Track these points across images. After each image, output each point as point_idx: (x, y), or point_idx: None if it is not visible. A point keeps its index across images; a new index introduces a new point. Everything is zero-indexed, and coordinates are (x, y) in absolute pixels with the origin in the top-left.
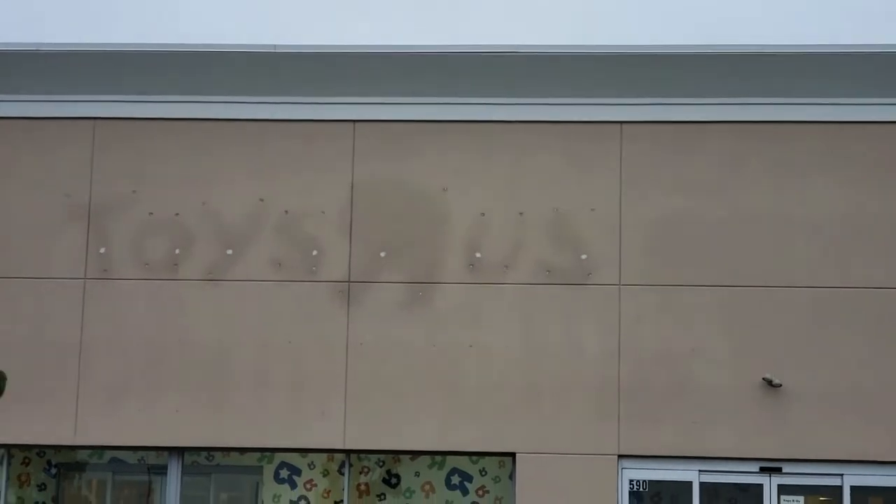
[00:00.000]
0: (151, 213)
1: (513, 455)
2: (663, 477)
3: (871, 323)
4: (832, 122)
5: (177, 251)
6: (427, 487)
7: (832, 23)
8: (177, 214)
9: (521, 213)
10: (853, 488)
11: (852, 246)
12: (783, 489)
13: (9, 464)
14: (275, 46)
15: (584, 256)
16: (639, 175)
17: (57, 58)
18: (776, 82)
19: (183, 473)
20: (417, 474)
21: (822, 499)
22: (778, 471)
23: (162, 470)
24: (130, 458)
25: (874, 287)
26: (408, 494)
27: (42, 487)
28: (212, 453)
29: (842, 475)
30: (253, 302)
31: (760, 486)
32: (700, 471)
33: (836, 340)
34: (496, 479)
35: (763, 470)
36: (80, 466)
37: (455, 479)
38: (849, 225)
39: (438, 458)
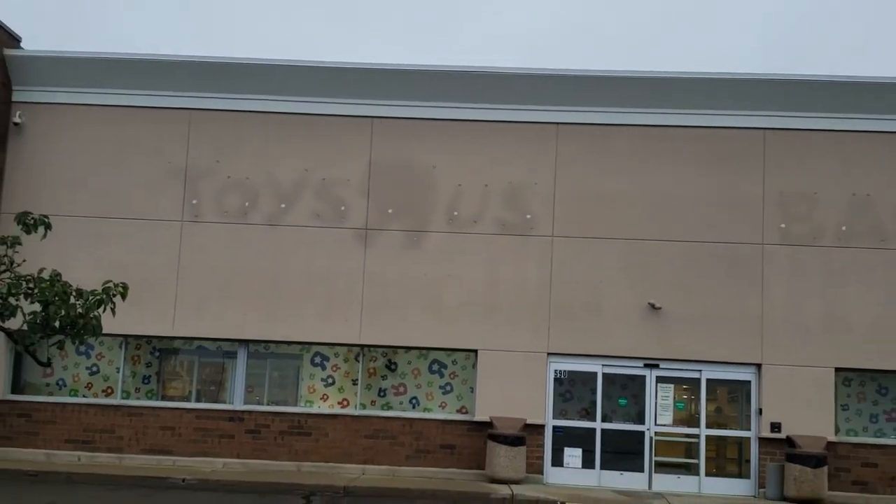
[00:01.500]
0: (229, 177)
1: (475, 351)
2: (577, 368)
3: (723, 267)
4: (696, 127)
5: (246, 204)
6: (415, 371)
7: (715, 54)
8: (247, 178)
9: (486, 185)
10: (708, 380)
11: (711, 213)
12: (660, 379)
13: (126, 348)
14: (322, 62)
15: (528, 216)
16: (568, 161)
17: (174, 65)
18: (665, 98)
19: (248, 357)
20: (409, 362)
21: (685, 387)
22: (656, 366)
23: (233, 355)
24: (211, 346)
25: (725, 242)
26: (402, 376)
27: (149, 364)
28: (267, 344)
29: (700, 371)
30: (298, 241)
31: (644, 376)
32: (602, 365)
33: (699, 278)
34: (464, 367)
35: (646, 365)
36: (175, 351)
37: (435, 367)
38: (708, 198)
39: (424, 351)
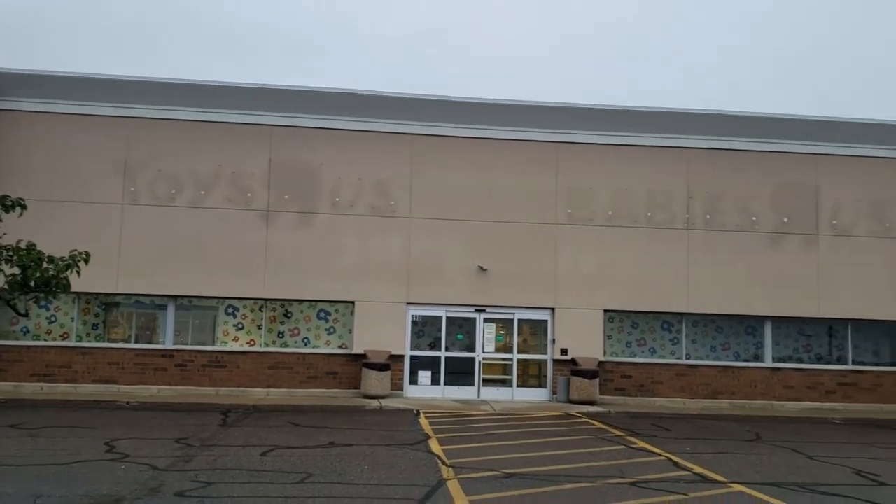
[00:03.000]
0: (160, 170)
1: (353, 302)
2: (428, 314)
3: (529, 240)
4: (513, 140)
5: (173, 191)
6: (306, 318)
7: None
8: (174, 171)
9: (360, 178)
10: (518, 320)
11: (521, 202)
12: (486, 320)
13: (78, 303)
14: (231, 82)
15: (392, 202)
16: (422, 162)
17: (117, 83)
18: (491, 117)
19: (176, 309)
20: (302, 311)
21: (502, 325)
22: (483, 311)
23: (164, 307)
24: (146, 300)
25: (531, 222)
26: (296, 321)
27: (97, 315)
28: (191, 299)
29: (514, 314)
30: (215, 220)
31: (475, 318)
32: (446, 311)
33: (513, 248)
34: (344, 315)
35: (476, 310)
36: (118, 305)
37: (322, 314)
38: (520, 191)
39: (313, 303)
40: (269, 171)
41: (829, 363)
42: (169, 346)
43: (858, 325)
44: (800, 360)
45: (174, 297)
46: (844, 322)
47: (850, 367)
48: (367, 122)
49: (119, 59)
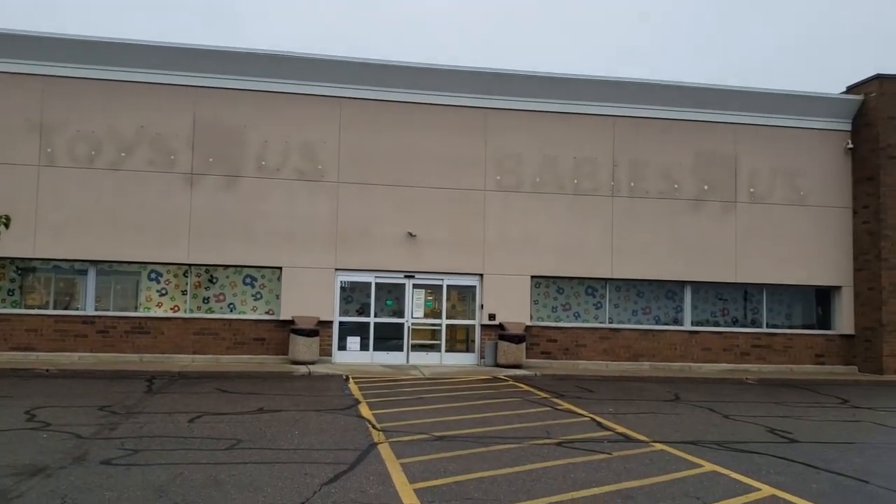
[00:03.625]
0: (78, 131)
1: (280, 268)
2: (357, 279)
3: (459, 206)
4: (442, 105)
5: (93, 152)
6: (232, 283)
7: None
8: (93, 132)
9: (286, 142)
10: (447, 286)
11: (451, 168)
12: (415, 286)
13: None
14: (152, 41)
15: (319, 167)
16: (349, 126)
17: (31, 39)
18: (420, 82)
19: (97, 275)
20: (227, 277)
21: (431, 291)
22: (412, 277)
23: (84, 273)
24: (65, 265)
25: (460, 188)
26: (221, 287)
27: (12, 280)
28: (112, 264)
29: (443, 279)
30: (136, 182)
31: (404, 284)
32: (375, 276)
33: (442, 214)
34: (270, 280)
35: (405, 276)
36: (34, 269)
37: (248, 280)
38: (449, 157)
39: (239, 268)
40: (193, 133)
41: (744, 326)
42: (90, 312)
43: (772, 289)
44: (717, 324)
45: (94, 262)
46: (759, 287)
47: (763, 329)
48: (293, 84)
49: (32, 13)
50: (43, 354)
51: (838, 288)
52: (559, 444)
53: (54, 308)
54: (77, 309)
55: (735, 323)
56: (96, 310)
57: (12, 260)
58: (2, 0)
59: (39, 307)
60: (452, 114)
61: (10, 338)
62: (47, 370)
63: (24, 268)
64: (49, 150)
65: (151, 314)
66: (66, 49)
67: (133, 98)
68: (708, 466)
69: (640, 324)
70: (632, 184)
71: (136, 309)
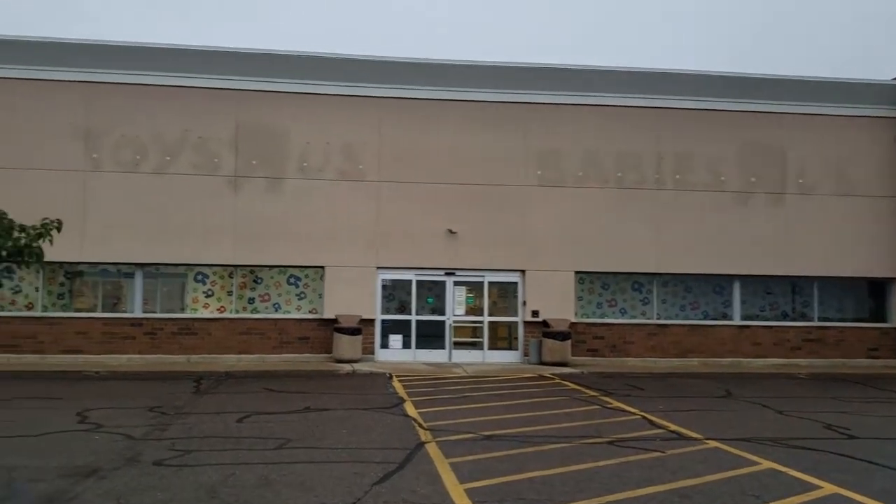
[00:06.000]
0: (123, 135)
1: (323, 267)
2: (398, 277)
3: (499, 202)
4: (480, 102)
5: (138, 157)
6: (277, 284)
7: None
8: (137, 136)
9: (328, 143)
10: (489, 283)
11: (490, 164)
12: (456, 283)
13: (43, 272)
14: (195, 46)
15: (360, 167)
16: (389, 125)
17: (75, 47)
18: (456, 79)
19: (143, 277)
20: (272, 277)
21: (472, 288)
22: (453, 274)
23: (131, 275)
24: (112, 269)
25: (500, 184)
26: (266, 287)
27: (62, 284)
28: (158, 266)
29: (483, 276)
30: (181, 186)
31: (444, 281)
32: (416, 274)
33: (482, 211)
34: (314, 280)
35: (446, 273)
36: (82, 273)
37: (292, 280)
38: (488, 153)
39: (283, 268)
40: (237, 137)
41: (794, 320)
42: (138, 314)
43: (823, 282)
44: (766, 318)
45: (141, 265)
46: (810, 280)
47: (815, 323)
48: (334, 86)
49: (69, 21)
50: (92, 357)
51: (892, 279)
52: (610, 442)
53: (102, 311)
54: (125, 311)
55: (784, 317)
56: (144, 312)
57: (61, 264)
58: (41, 8)
59: (88, 310)
60: (492, 110)
61: (60, 341)
62: (97, 372)
63: (73, 272)
64: (95, 155)
65: (198, 315)
66: (110, 55)
67: (176, 102)
68: (765, 464)
69: (689, 319)
70: (677, 176)
71: (182, 310)
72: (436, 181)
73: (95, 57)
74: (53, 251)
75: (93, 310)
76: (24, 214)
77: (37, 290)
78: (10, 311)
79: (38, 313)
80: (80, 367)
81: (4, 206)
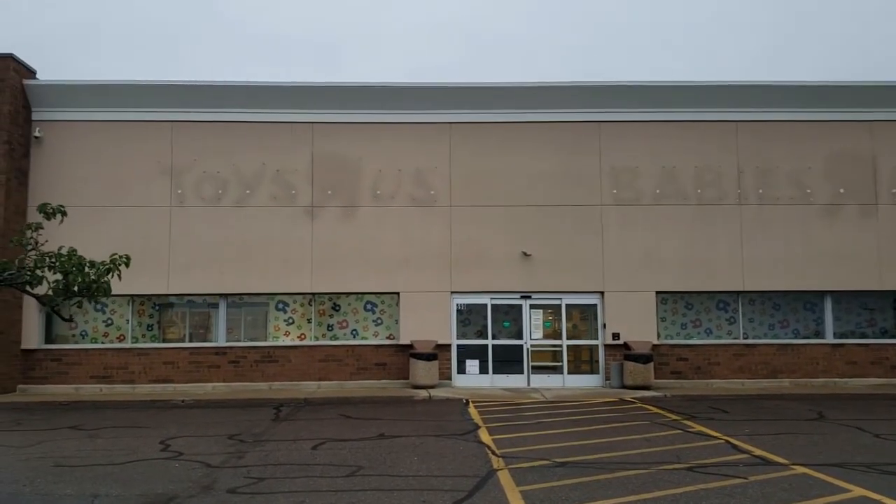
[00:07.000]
0: (205, 172)
1: (398, 293)
2: (473, 302)
3: (573, 223)
4: (551, 122)
5: (219, 191)
6: (354, 310)
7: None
8: (218, 172)
9: (399, 170)
10: (566, 305)
11: (563, 184)
12: (532, 307)
13: (132, 305)
14: (272, 82)
15: (432, 192)
16: (459, 149)
17: (159, 88)
18: (528, 100)
19: (227, 307)
20: (349, 304)
21: (550, 311)
22: (529, 297)
23: (215, 306)
24: (198, 300)
25: (574, 204)
26: (344, 314)
27: (151, 316)
28: (241, 296)
29: (561, 299)
30: (261, 218)
31: (521, 305)
32: (491, 298)
33: (556, 232)
34: (390, 305)
35: (522, 297)
36: (171, 305)
37: (368, 306)
38: (561, 173)
39: (360, 295)
40: (312, 168)
41: (894, 337)
42: (222, 343)
43: None
44: (863, 335)
45: (225, 296)
46: None
47: None
48: (403, 114)
49: (134, 64)
50: (180, 385)
51: None
52: (690, 468)
53: (189, 341)
54: (210, 341)
55: (884, 334)
56: (228, 341)
57: (149, 297)
58: (128, 53)
59: (176, 340)
60: (563, 129)
61: (150, 371)
62: (182, 401)
63: (161, 304)
64: (179, 191)
65: (279, 343)
66: (192, 95)
67: (254, 137)
68: (857, 491)
69: (778, 338)
70: (760, 191)
71: (265, 339)
72: (508, 203)
73: (179, 97)
74: (142, 284)
75: (180, 340)
76: (116, 251)
77: (127, 321)
78: (102, 342)
79: (128, 345)
80: (169, 396)
81: (95, 243)
